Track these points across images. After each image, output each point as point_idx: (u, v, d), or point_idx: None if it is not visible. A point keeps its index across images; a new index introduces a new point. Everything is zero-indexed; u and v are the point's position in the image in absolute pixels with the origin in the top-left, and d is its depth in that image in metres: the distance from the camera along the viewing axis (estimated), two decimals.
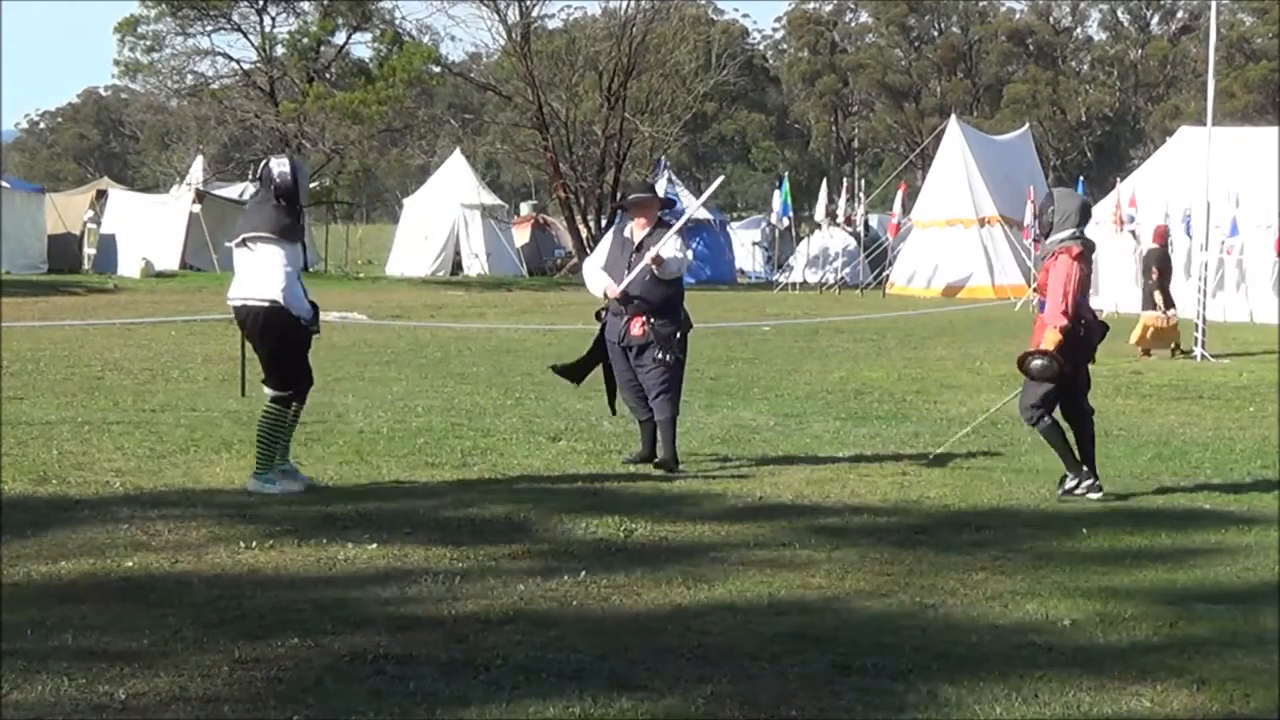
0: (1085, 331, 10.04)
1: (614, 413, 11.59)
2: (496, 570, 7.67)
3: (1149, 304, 23.07)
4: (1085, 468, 10.01)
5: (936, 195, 42.88)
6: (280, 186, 9.65)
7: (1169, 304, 22.84)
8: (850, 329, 26.95)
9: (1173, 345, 22.67)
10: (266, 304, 9.62)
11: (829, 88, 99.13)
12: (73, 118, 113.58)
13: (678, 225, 11.18)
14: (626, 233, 11.18)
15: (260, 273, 9.62)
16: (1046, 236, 10.15)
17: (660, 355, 10.84)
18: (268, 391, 9.88)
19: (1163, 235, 24.54)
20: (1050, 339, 9.83)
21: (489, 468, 11.03)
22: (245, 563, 7.76)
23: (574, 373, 11.53)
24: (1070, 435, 10.13)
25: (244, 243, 9.69)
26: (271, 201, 9.70)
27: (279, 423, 9.79)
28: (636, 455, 11.23)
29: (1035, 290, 10.44)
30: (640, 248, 10.93)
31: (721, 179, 10.29)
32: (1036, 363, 9.88)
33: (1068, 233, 9.96)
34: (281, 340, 9.73)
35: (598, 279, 11.14)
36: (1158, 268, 23.34)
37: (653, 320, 10.87)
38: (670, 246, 10.85)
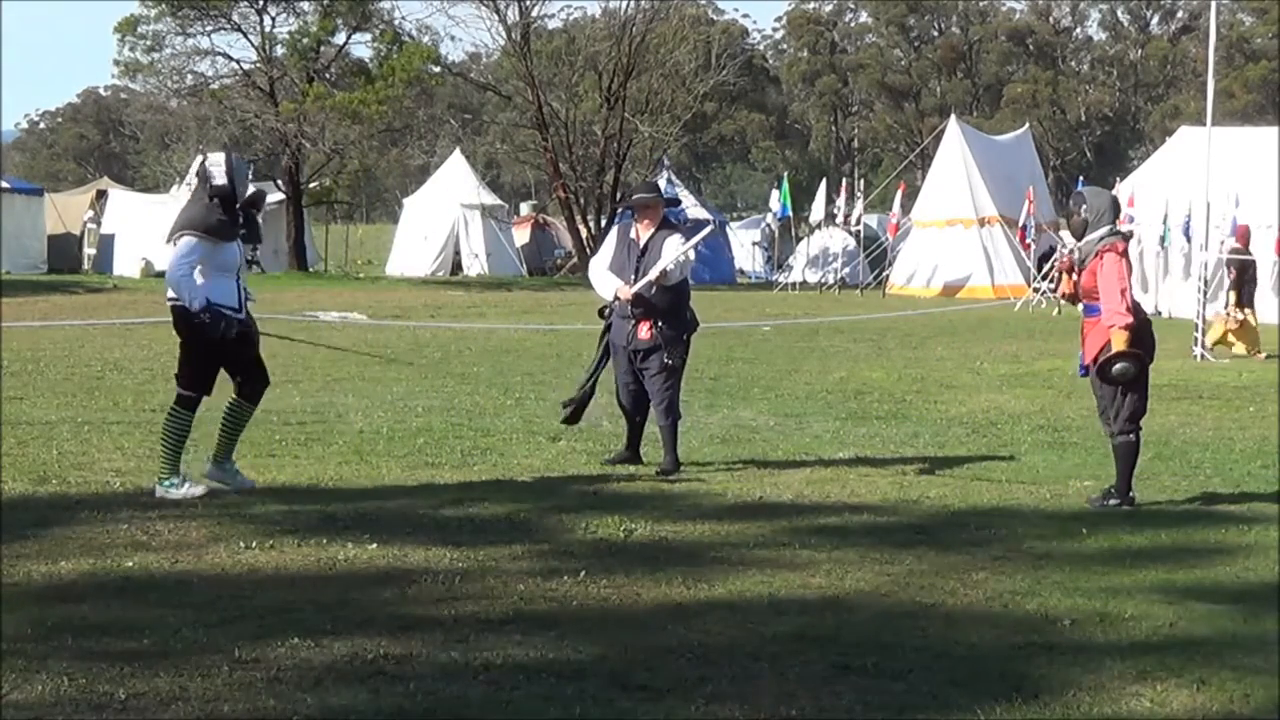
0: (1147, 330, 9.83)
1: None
2: (496, 570, 7.67)
3: (1229, 303, 23.03)
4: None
5: (936, 195, 42.86)
6: (215, 186, 9.47)
7: (1239, 305, 22.74)
8: (850, 329, 26.96)
9: (1249, 347, 22.46)
10: (177, 303, 9.47)
11: (829, 88, 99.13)
12: (73, 118, 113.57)
13: (692, 243, 11.11)
14: (632, 234, 11.14)
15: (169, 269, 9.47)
16: (1079, 237, 9.89)
17: (666, 360, 10.86)
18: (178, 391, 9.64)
19: (1245, 236, 24.39)
20: (1120, 339, 9.55)
21: (489, 468, 11.03)
22: (245, 563, 7.76)
23: (575, 414, 11.42)
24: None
25: (170, 241, 9.55)
26: (203, 201, 9.52)
27: (180, 424, 9.55)
28: (618, 456, 11.27)
29: (1059, 294, 10.01)
30: (646, 250, 10.94)
31: (710, 228, 10.33)
32: (1118, 366, 9.55)
33: (1105, 229, 9.73)
34: (185, 338, 9.52)
35: (607, 281, 11.09)
36: (1236, 268, 23.25)
37: (660, 324, 10.89)
38: (669, 252, 10.88)
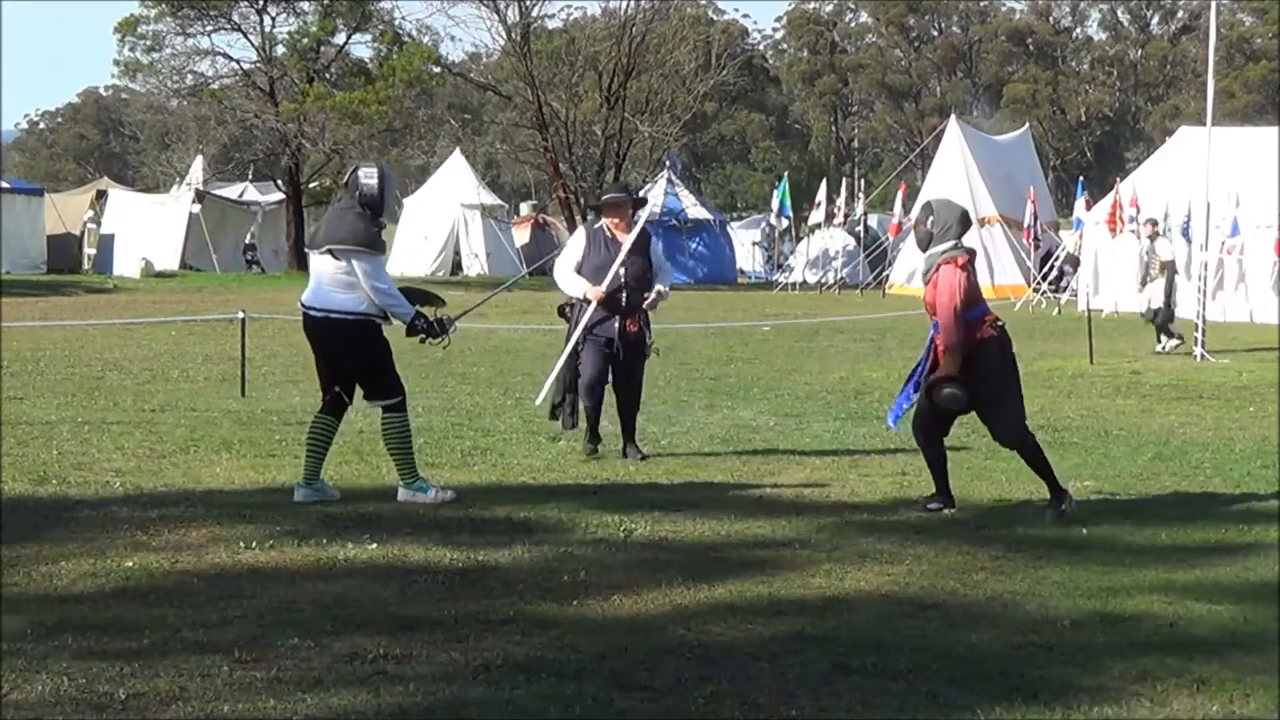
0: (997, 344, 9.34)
1: (575, 426, 11.84)
2: (496, 570, 7.67)
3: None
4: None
5: (936, 195, 42.78)
6: (365, 195, 9.43)
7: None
8: (850, 329, 26.95)
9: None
10: (353, 316, 9.34)
11: (829, 88, 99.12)
12: (73, 118, 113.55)
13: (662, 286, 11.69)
14: (605, 233, 11.56)
15: (343, 284, 9.34)
16: (924, 249, 9.54)
17: (647, 352, 11.64)
18: (376, 405, 9.62)
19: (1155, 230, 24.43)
20: (948, 363, 9.19)
21: (489, 468, 11.03)
22: (245, 563, 7.75)
23: (574, 416, 11.85)
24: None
25: (327, 251, 9.40)
26: (355, 210, 9.45)
27: (405, 426, 9.59)
28: (592, 449, 11.59)
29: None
30: (625, 250, 11.40)
31: (650, 206, 10.68)
32: (946, 392, 9.19)
33: (949, 243, 9.35)
34: (370, 349, 9.45)
35: (575, 282, 11.55)
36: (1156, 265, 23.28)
37: (640, 319, 11.53)
38: (657, 259, 11.73)
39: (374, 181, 9.43)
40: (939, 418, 9.54)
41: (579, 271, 11.50)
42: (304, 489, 9.48)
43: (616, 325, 11.36)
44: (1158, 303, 23.10)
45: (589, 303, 11.36)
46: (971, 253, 9.52)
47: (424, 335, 9.67)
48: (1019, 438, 9.48)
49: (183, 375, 17.42)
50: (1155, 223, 25.18)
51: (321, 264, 9.44)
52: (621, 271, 11.35)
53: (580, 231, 12.00)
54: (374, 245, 9.43)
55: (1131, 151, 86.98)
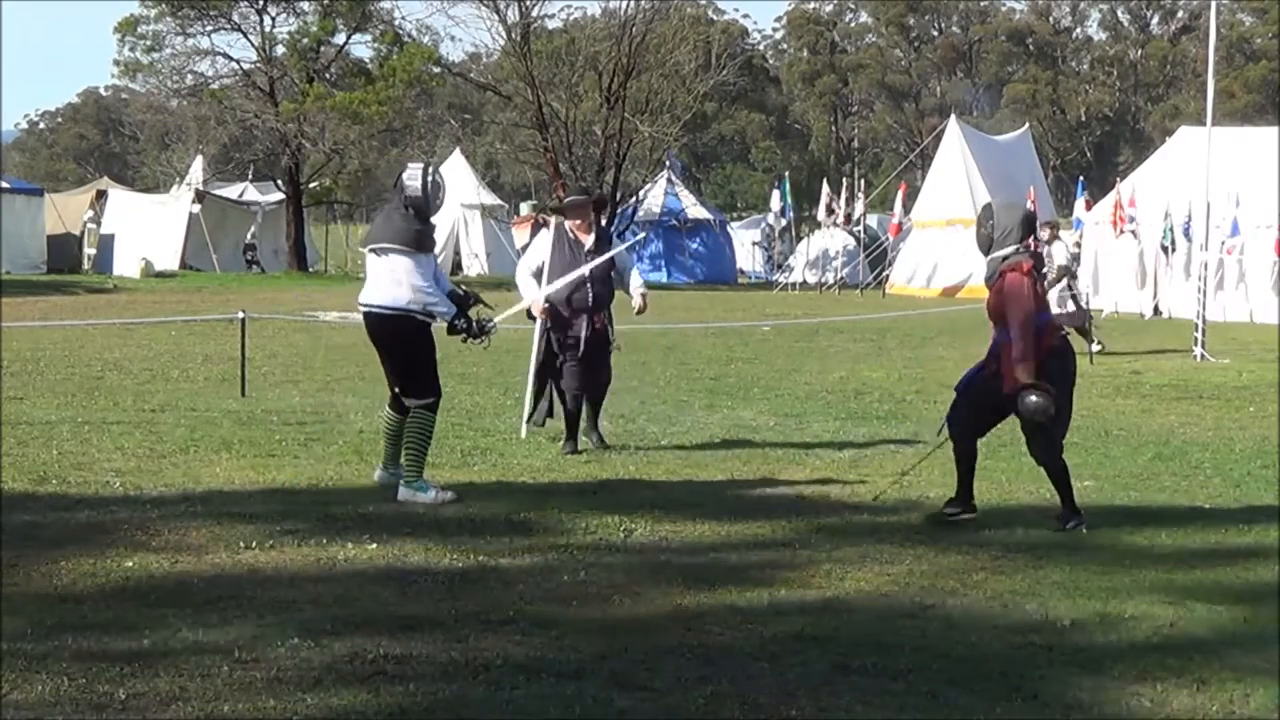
0: (1059, 356, 9.18)
1: (544, 424, 12.27)
2: (496, 570, 7.67)
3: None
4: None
5: (936, 195, 42.87)
6: (409, 195, 9.69)
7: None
8: (850, 329, 26.95)
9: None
10: (393, 312, 9.63)
11: (829, 88, 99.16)
12: (73, 118, 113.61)
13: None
14: (570, 235, 11.97)
15: (388, 281, 9.65)
16: (986, 253, 9.32)
17: (615, 344, 12.18)
18: (410, 403, 9.75)
19: (1050, 229, 24.05)
20: (1022, 372, 8.92)
21: (489, 468, 11.03)
22: (245, 563, 7.76)
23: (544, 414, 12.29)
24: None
25: (373, 250, 9.79)
26: (400, 209, 9.73)
27: (429, 427, 9.75)
28: (570, 446, 11.76)
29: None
30: (591, 252, 11.87)
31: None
32: (1032, 401, 8.88)
33: (1010, 248, 9.16)
34: (411, 347, 9.70)
35: (529, 290, 12.01)
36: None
37: (605, 316, 12.01)
38: (625, 263, 12.28)
39: (417, 182, 9.69)
40: (979, 418, 9.42)
41: (544, 272, 11.88)
42: (382, 472, 9.93)
43: (585, 324, 11.82)
44: (1058, 308, 22.52)
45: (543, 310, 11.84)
46: (1037, 257, 9.35)
47: (465, 335, 9.91)
48: (1053, 458, 9.21)
49: (183, 375, 17.42)
50: (1055, 225, 24.77)
51: (370, 262, 9.87)
52: (587, 273, 11.79)
53: (544, 233, 12.39)
54: (414, 244, 9.65)
55: (1123, 155, 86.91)
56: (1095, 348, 21.98)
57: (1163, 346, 23.98)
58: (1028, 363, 8.96)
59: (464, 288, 10.26)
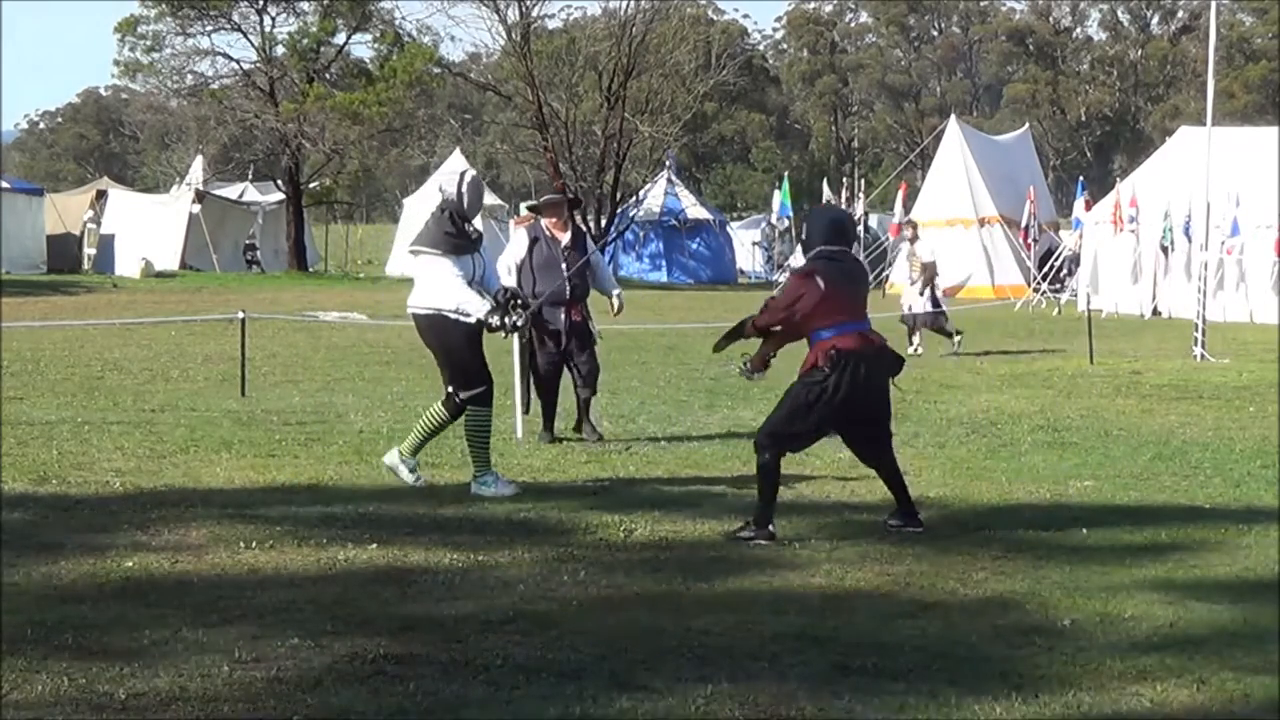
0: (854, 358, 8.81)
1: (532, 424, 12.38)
2: (496, 570, 7.67)
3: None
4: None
5: (936, 195, 42.87)
6: (446, 199, 10.08)
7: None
8: None
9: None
10: (427, 311, 9.94)
11: (829, 88, 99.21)
12: (73, 118, 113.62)
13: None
14: (547, 233, 12.39)
15: (421, 283, 10.06)
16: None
17: (596, 335, 12.53)
18: (462, 396, 9.88)
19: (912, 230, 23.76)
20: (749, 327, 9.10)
21: None
22: (245, 563, 7.75)
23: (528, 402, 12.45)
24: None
25: (411, 252, 10.31)
26: (437, 213, 10.11)
27: (484, 423, 9.92)
28: (548, 435, 12.16)
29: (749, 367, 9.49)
30: (569, 249, 12.35)
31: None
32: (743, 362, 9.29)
33: (811, 255, 8.90)
34: (447, 344, 9.92)
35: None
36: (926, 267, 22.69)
37: (582, 309, 12.44)
38: (598, 260, 12.93)
39: (452, 187, 10.13)
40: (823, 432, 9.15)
41: (523, 269, 12.27)
42: (394, 455, 10.09)
43: (563, 316, 12.22)
44: (919, 307, 22.28)
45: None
46: (833, 259, 8.89)
47: (499, 329, 10.06)
48: (764, 448, 8.79)
49: (183, 375, 17.42)
50: (915, 224, 24.55)
51: (412, 266, 10.42)
52: (564, 268, 12.27)
53: (522, 231, 12.80)
54: (443, 246, 9.99)
55: (1119, 159, 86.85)
56: (958, 339, 21.71)
57: (1162, 346, 23.97)
58: (751, 326, 9.17)
59: (507, 289, 10.45)
